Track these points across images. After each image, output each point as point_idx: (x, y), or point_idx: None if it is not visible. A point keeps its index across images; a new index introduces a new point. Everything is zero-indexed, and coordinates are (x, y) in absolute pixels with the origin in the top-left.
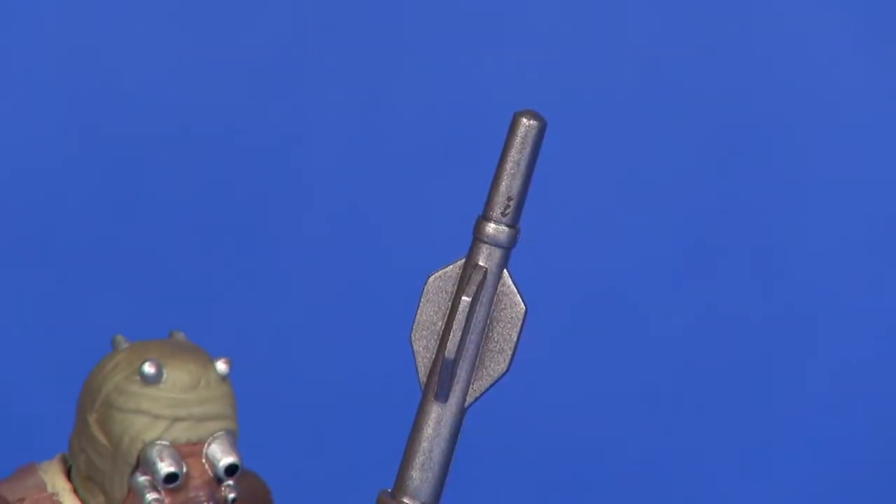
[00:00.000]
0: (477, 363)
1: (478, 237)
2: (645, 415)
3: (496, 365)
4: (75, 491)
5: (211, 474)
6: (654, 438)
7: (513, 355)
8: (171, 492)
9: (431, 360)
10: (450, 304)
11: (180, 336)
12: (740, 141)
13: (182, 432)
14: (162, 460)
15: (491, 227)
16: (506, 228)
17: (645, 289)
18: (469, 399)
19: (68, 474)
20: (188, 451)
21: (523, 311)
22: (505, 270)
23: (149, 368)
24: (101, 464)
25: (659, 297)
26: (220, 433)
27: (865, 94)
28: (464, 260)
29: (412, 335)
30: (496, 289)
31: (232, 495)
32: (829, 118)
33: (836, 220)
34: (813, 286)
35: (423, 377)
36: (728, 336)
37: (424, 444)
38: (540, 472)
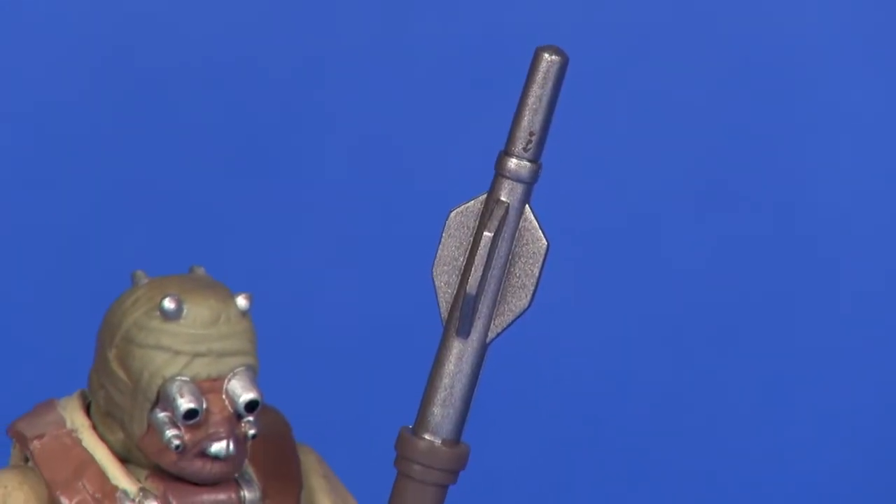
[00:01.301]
0: (499, 299)
1: (500, 172)
2: (663, 350)
3: (518, 300)
4: (94, 427)
5: (231, 410)
6: (672, 373)
7: (535, 291)
8: (190, 428)
9: (453, 295)
10: (471, 239)
11: (200, 271)
12: (759, 73)
13: (202, 368)
14: (182, 396)
15: (513, 163)
16: (528, 163)
17: (664, 223)
18: (491, 335)
19: (87, 410)
20: (208, 386)
21: (545, 246)
22: (527, 206)
23: (169, 304)
24: (120, 400)
25: (678, 231)
26: (240, 369)
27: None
28: (486, 195)
29: (434, 270)
30: (518, 224)
31: (252, 431)
32: (848, 51)
33: (854, 151)
34: (831, 218)
35: (444, 313)
36: (747, 269)
37: (446, 381)
38: (560, 407)
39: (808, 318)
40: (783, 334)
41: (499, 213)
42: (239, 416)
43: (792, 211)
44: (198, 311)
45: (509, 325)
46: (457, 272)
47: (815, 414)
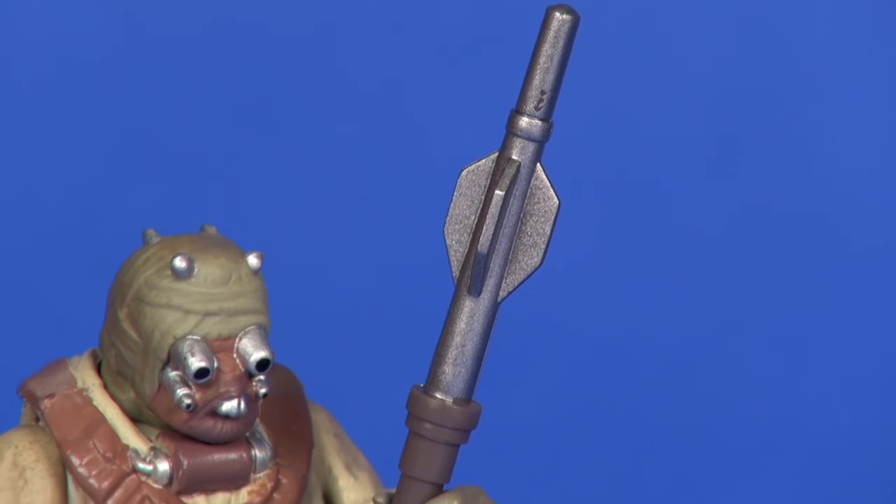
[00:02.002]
0: (510, 257)
1: (511, 131)
2: (675, 311)
3: (529, 259)
4: (105, 386)
5: (242, 369)
6: (684, 335)
7: (546, 249)
8: (201, 387)
9: (464, 254)
10: (483, 197)
11: (212, 230)
12: (774, 32)
13: (213, 327)
14: (192, 355)
15: (524, 121)
16: (539, 122)
17: (677, 182)
18: (502, 293)
19: (98, 370)
20: (219, 346)
21: (556, 205)
22: (538, 164)
23: (180, 263)
24: (131, 359)
25: (691, 190)
26: (251, 328)
27: None
28: (497, 153)
29: (445, 229)
30: (529, 182)
31: (263, 390)
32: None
33: (866, 111)
34: (844, 179)
35: (455, 271)
36: (761, 229)
37: (457, 339)
38: (571, 365)
39: (821, 279)
40: (798, 295)
41: (510, 171)
42: (250, 375)
43: (807, 172)
44: (209, 270)
45: (521, 284)
46: (468, 231)
47: (831, 377)
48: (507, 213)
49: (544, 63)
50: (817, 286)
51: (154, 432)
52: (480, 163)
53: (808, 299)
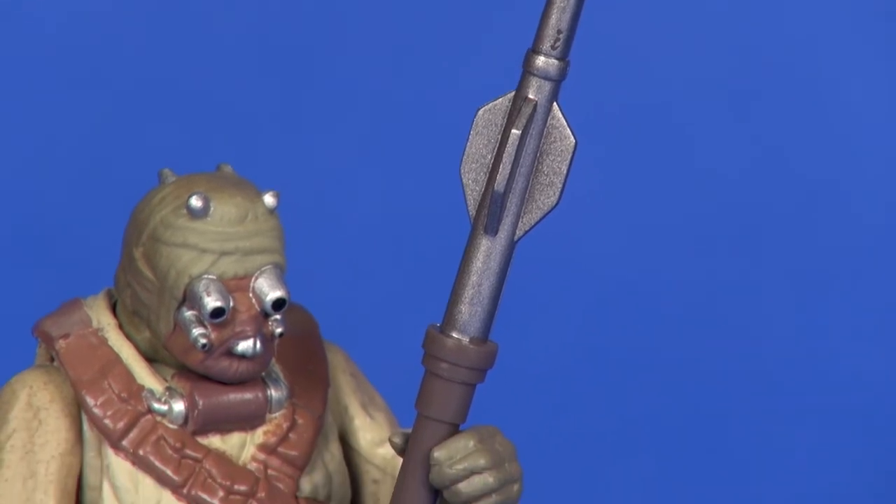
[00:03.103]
0: (526, 196)
1: (527, 70)
2: (694, 248)
3: (546, 198)
4: (120, 326)
5: (258, 308)
6: (705, 271)
7: (562, 188)
8: (217, 326)
9: (481, 193)
10: (499, 137)
11: (228, 169)
12: None
13: (229, 266)
14: (208, 294)
15: (541, 60)
16: (555, 61)
17: (695, 118)
18: (519, 232)
19: (114, 309)
20: (235, 285)
21: (573, 144)
22: (555, 103)
23: (196, 202)
24: (146, 298)
25: (712, 133)
26: (267, 267)
27: None
28: (513, 93)
29: (461, 168)
30: (546, 122)
31: (279, 329)
32: None
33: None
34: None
35: (472, 211)
36: (780, 174)
37: (473, 278)
38: (589, 305)
39: (841, 223)
40: (814, 237)
41: (527, 110)
42: (266, 315)
43: (825, 119)
44: (225, 210)
45: (537, 223)
46: (485, 170)
47: (850, 318)
48: (523, 153)
49: (561, 2)
50: (836, 230)
51: (169, 372)
52: (497, 102)
53: (827, 243)
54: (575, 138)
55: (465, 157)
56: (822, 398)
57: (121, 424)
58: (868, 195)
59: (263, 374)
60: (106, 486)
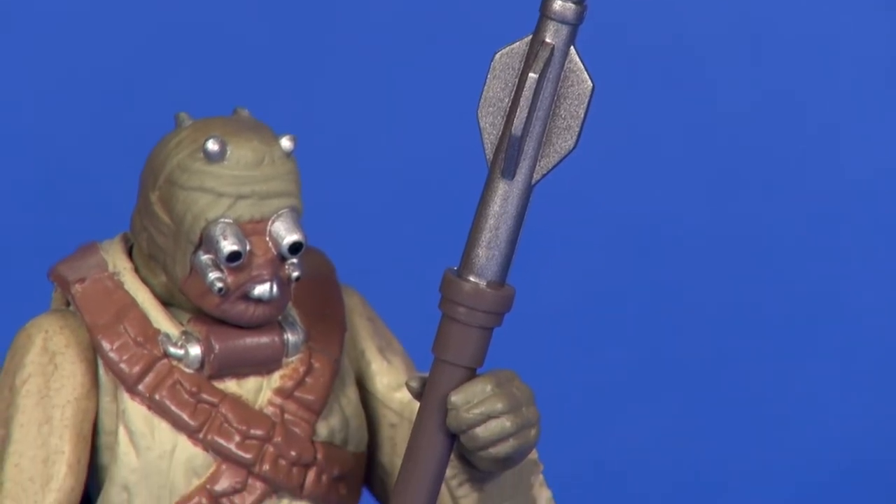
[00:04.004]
0: (544, 140)
1: (545, 14)
2: (710, 189)
3: (563, 142)
4: (136, 270)
5: (274, 252)
6: (721, 213)
7: (580, 132)
8: (233, 270)
9: (498, 136)
10: (517, 80)
11: (244, 113)
12: None
13: (245, 210)
14: (225, 238)
15: (558, 4)
16: (573, 5)
17: (712, 57)
18: (536, 176)
19: (130, 253)
20: (251, 229)
21: (590, 87)
22: (572, 47)
23: (212, 146)
24: (162, 242)
25: (724, 65)
26: (284, 211)
27: None
28: (531, 37)
29: (479, 112)
30: (563, 65)
31: (296, 273)
32: None
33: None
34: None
35: (489, 154)
36: (796, 113)
37: (491, 222)
38: (607, 248)
39: (852, 166)
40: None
41: (544, 54)
42: (282, 259)
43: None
44: (241, 153)
45: (555, 167)
46: (502, 114)
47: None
48: (540, 96)
49: None
50: (848, 171)
51: (185, 317)
52: (514, 46)
53: (837, 187)
54: (592, 82)
55: (482, 100)
56: (848, 338)
57: (136, 369)
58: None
59: (280, 318)
60: (121, 431)
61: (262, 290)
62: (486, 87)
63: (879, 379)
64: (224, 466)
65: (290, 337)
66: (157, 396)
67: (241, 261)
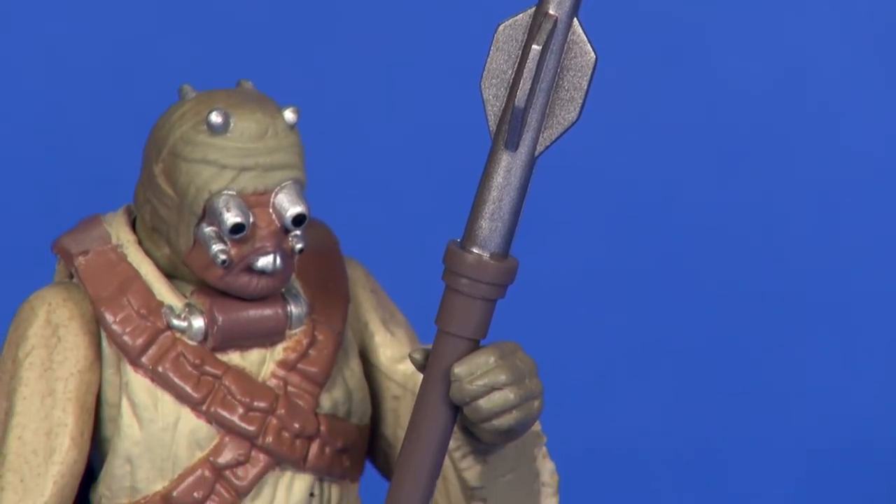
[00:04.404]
0: (547, 112)
1: None
2: (715, 164)
3: (566, 113)
4: (140, 242)
5: (278, 224)
6: (727, 187)
7: (583, 104)
8: (237, 242)
9: (501, 108)
10: (520, 52)
11: (248, 85)
12: None
13: (249, 182)
14: (228, 210)
15: None
16: None
17: (715, 32)
18: (539, 148)
19: (133, 226)
20: (255, 201)
21: (593, 59)
22: (575, 19)
23: (216, 118)
24: (166, 215)
25: (728, 39)
26: (287, 183)
27: None
28: (534, 8)
29: (482, 83)
30: (566, 37)
31: (299, 245)
32: None
33: None
34: None
35: (492, 126)
36: (803, 88)
37: (494, 194)
38: (612, 220)
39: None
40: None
41: (547, 26)
42: (286, 231)
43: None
44: (245, 125)
45: (558, 139)
46: (505, 85)
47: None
48: (544, 68)
49: None
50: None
51: (189, 289)
52: (518, 17)
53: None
54: (595, 54)
55: (485, 72)
56: (852, 314)
57: (140, 341)
58: None
59: (283, 290)
60: (125, 403)
61: (265, 262)
62: (489, 59)
63: (885, 354)
64: (227, 439)
65: (294, 309)
66: (160, 369)
67: (245, 233)
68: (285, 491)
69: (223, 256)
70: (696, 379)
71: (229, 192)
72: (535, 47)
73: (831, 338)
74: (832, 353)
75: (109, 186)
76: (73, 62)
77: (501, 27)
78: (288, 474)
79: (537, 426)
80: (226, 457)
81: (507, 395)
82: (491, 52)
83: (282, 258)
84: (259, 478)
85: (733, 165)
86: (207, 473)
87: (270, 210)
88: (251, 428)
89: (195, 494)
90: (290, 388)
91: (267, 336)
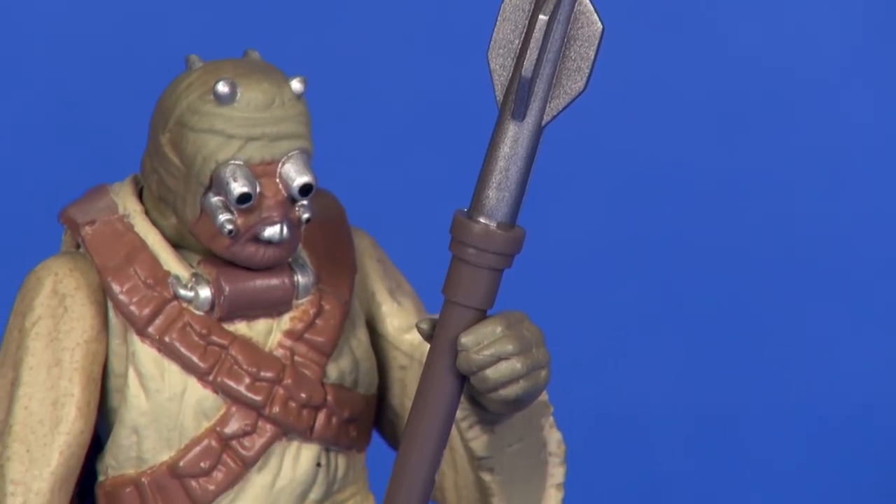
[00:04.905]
0: (554, 82)
1: None
2: (721, 131)
3: (573, 83)
4: (146, 212)
5: (285, 194)
6: (732, 152)
7: (590, 74)
8: (243, 212)
9: (508, 78)
10: (527, 22)
11: (255, 55)
12: None
13: (256, 151)
14: (235, 180)
15: None
16: None
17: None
18: (546, 118)
19: (140, 196)
20: (262, 170)
21: (600, 29)
22: None
23: (222, 88)
24: (173, 184)
25: (733, 7)
26: (294, 152)
27: None
28: None
29: (489, 54)
30: (573, 7)
31: (306, 215)
32: None
33: None
34: None
35: (499, 96)
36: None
37: (501, 163)
38: (619, 189)
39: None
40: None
41: None
42: (293, 201)
43: None
44: (251, 95)
45: (564, 108)
46: (512, 55)
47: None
48: (550, 38)
49: None
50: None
51: (195, 259)
52: None
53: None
54: (602, 24)
55: (492, 42)
56: (864, 273)
57: (146, 311)
58: None
59: (290, 260)
60: (131, 374)
61: (272, 231)
62: (496, 29)
63: (893, 318)
64: (234, 409)
65: (301, 279)
66: (166, 339)
67: (252, 203)
68: (292, 461)
69: (230, 226)
70: (704, 347)
71: (236, 162)
72: (542, 17)
73: (839, 303)
74: (840, 317)
75: (116, 156)
76: (79, 32)
77: None
78: (294, 444)
79: (544, 396)
80: (232, 427)
81: (514, 365)
82: (498, 22)
83: (288, 228)
84: (266, 448)
85: (740, 131)
86: (214, 443)
87: (277, 180)
88: (258, 398)
89: (202, 464)
90: (296, 358)
91: (274, 306)
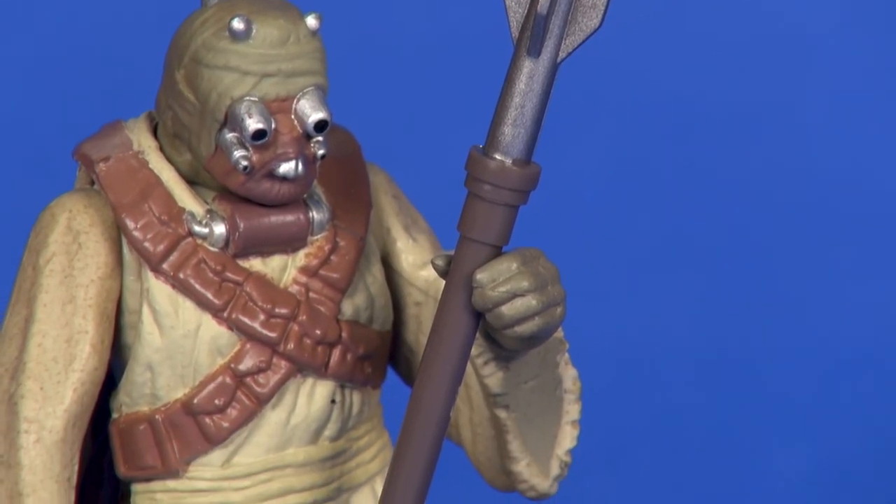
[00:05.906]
0: (569, 18)
1: None
2: (734, 66)
3: (589, 20)
4: (161, 149)
5: (300, 130)
6: (749, 97)
7: (605, 11)
8: (258, 148)
9: (524, 15)
10: None
11: None
12: None
13: (271, 88)
14: (250, 116)
15: None
16: None
17: None
18: (562, 54)
19: (155, 132)
20: (277, 107)
21: None
22: None
23: (238, 24)
24: (188, 121)
25: None
26: (309, 89)
27: None
28: None
29: None
30: None
31: (321, 151)
32: None
33: None
34: None
35: (515, 32)
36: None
37: (517, 100)
38: (635, 125)
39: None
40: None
41: None
42: (308, 137)
43: None
44: (267, 32)
45: (580, 45)
46: None
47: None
48: None
49: None
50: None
51: (210, 195)
52: None
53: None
54: None
55: None
56: (882, 224)
57: (161, 247)
58: None
59: (305, 196)
60: (146, 310)
61: (287, 167)
62: None
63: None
64: (248, 345)
65: (316, 215)
66: (181, 275)
67: (267, 139)
68: (307, 398)
69: (245, 162)
70: (719, 285)
71: (251, 99)
72: None
73: (855, 247)
74: (857, 262)
75: (131, 92)
76: None
77: None
78: (309, 381)
79: (559, 333)
80: (247, 363)
81: (530, 302)
82: None
83: (304, 164)
84: (280, 385)
85: (759, 65)
86: (228, 380)
87: (292, 116)
88: (272, 334)
89: (216, 402)
90: (311, 295)
91: (289, 242)
